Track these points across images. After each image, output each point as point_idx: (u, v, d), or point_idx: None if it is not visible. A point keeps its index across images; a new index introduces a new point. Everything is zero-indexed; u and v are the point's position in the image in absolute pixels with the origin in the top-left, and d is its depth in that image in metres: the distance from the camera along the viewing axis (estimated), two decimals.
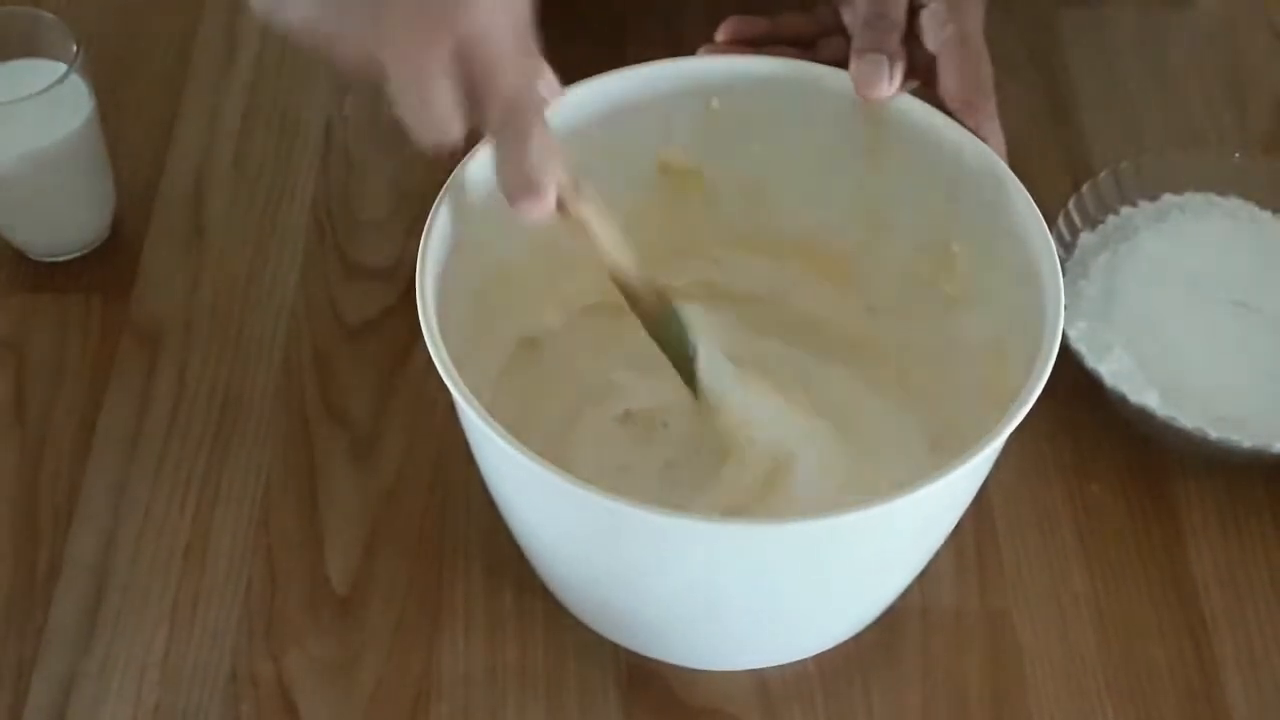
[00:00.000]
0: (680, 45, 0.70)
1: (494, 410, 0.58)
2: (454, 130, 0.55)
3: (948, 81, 0.67)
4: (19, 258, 0.80)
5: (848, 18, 0.69)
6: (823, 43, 0.71)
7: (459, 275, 0.63)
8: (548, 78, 0.59)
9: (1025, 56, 0.89)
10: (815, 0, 0.72)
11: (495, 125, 0.56)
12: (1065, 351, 0.65)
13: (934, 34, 0.67)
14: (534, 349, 0.72)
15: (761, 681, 0.67)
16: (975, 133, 0.66)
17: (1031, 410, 0.58)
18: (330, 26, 0.51)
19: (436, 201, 0.63)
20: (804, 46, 0.71)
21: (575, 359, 0.72)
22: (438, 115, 0.54)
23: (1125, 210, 0.79)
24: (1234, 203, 0.79)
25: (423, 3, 0.51)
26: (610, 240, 0.63)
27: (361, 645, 0.67)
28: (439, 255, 0.62)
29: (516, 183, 0.57)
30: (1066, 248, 0.76)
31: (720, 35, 0.71)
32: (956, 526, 0.64)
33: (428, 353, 0.59)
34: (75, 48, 0.75)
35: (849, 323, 0.73)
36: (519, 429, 0.58)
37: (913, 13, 0.68)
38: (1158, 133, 0.86)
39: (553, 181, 0.58)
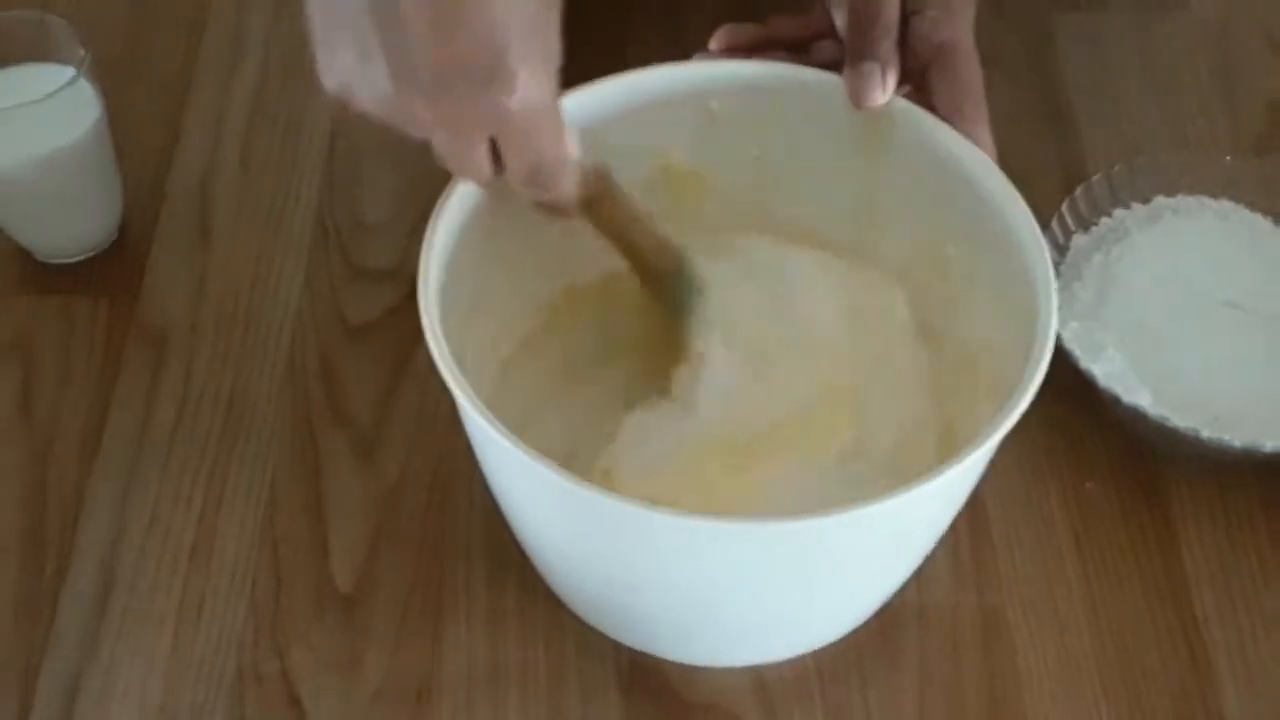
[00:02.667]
0: (679, 46, 0.71)
1: (496, 409, 0.58)
2: (486, 179, 0.60)
3: (939, 88, 0.67)
4: (26, 260, 0.80)
5: (840, 21, 0.69)
6: (815, 46, 0.71)
7: (461, 276, 0.64)
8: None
9: (1019, 60, 0.89)
10: (808, 3, 0.72)
11: (522, 180, 0.60)
12: (1059, 352, 0.65)
13: (926, 40, 0.68)
14: (536, 348, 0.72)
15: (760, 678, 0.67)
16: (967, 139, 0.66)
17: (1025, 410, 0.58)
18: (393, 112, 0.57)
19: (440, 202, 0.63)
20: (797, 51, 0.71)
21: (578, 357, 0.73)
22: (475, 170, 0.60)
23: (1118, 212, 0.79)
24: (1226, 205, 0.79)
25: (468, 94, 0.56)
26: (627, 216, 0.66)
27: (365, 643, 0.68)
28: (442, 256, 0.62)
29: (544, 210, 0.63)
30: (1060, 250, 0.77)
31: (713, 45, 0.70)
32: (952, 525, 0.64)
33: (431, 353, 0.59)
34: (83, 51, 0.75)
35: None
36: (521, 428, 0.58)
37: (904, 19, 0.68)
38: (1150, 135, 0.86)
39: (572, 204, 0.63)
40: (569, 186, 0.62)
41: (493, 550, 0.70)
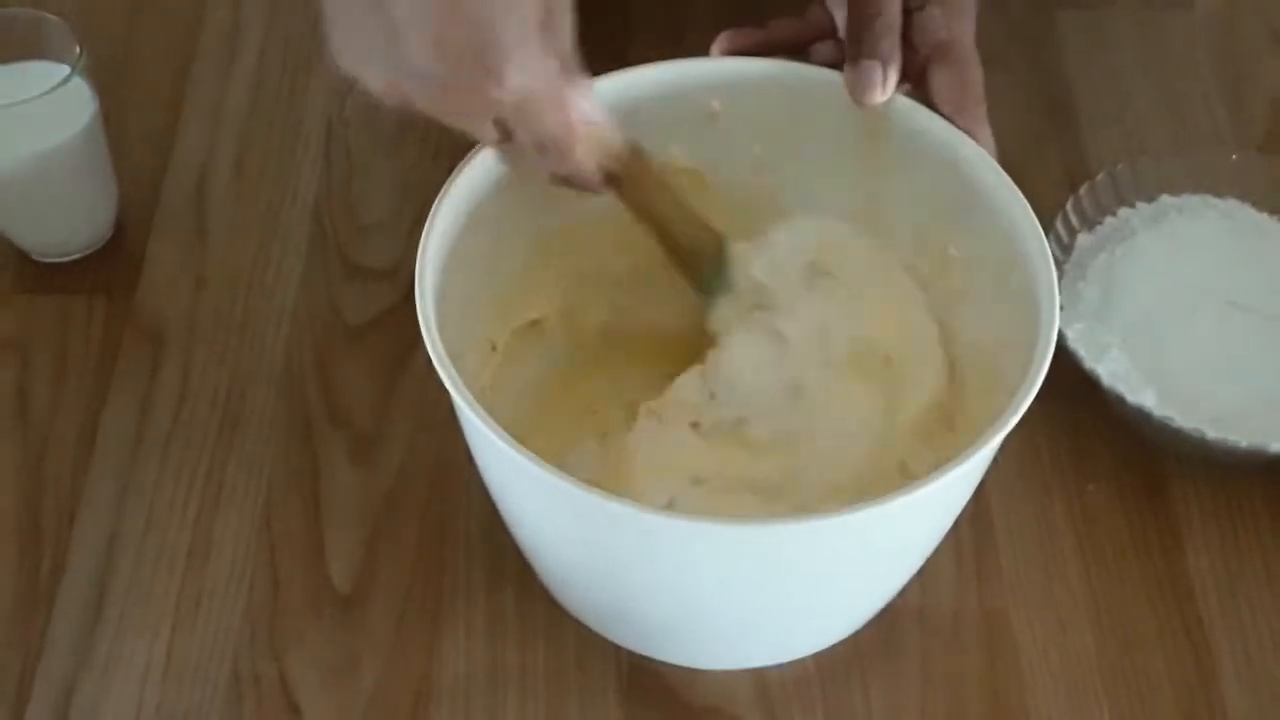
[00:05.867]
0: (679, 45, 0.70)
1: (493, 410, 0.58)
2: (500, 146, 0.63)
3: (939, 86, 0.67)
4: (22, 259, 0.80)
5: (840, 19, 0.69)
6: (816, 47, 0.71)
7: (459, 275, 0.63)
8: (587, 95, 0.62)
9: (1022, 58, 0.89)
10: (807, 1, 0.72)
11: (532, 153, 0.62)
12: (1063, 352, 0.65)
13: (926, 38, 0.67)
14: (535, 348, 0.72)
15: (761, 680, 0.67)
16: None
17: (1029, 410, 0.58)
18: (398, 97, 0.59)
19: (436, 202, 0.63)
20: (798, 52, 0.71)
21: (576, 358, 0.72)
22: (487, 142, 0.63)
23: (1123, 212, 0.78)
24: (1231, 204, 0.79)
25: (461, 85, 0.58)
26: (660, 194, 0.67)
27: (363, 645, 0.67)
28: (439, 255, 0.62)
29: (563, 183, 0.63)
30: (1064, 249, 0.76)
31: (715, 51, 0.71)
32: (954, 526, 0.64)
33: (428, 353, 0.59)
34: (78, 49, 0.75)
35: None
36: (518, 428, 0.58)
37: (905, 15, 0.68)
38: (1155, 134, 0.86)
39: (593, 178, 0.63)
40: (584, 160, 0.62)
41: (491, 552, 0.70)
